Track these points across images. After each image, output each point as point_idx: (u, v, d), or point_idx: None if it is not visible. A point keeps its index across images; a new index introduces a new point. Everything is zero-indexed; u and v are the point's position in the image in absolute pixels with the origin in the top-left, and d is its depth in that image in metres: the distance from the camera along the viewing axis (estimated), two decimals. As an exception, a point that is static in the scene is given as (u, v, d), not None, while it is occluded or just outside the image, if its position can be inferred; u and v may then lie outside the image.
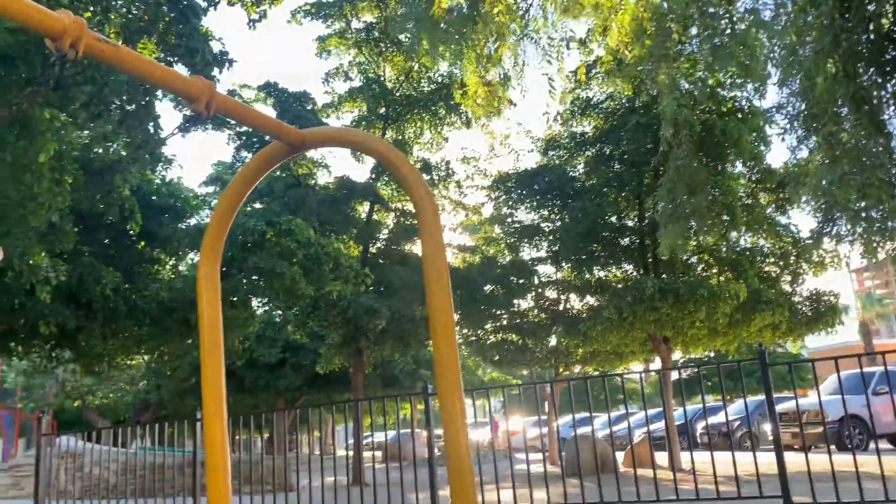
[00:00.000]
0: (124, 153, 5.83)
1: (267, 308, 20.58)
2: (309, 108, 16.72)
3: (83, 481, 12.66)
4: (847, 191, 6.49)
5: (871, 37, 6.56)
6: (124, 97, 4.99)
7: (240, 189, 3.45)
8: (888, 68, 6.45)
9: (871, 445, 16.13)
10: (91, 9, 4.32)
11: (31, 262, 6.77)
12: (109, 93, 4.83)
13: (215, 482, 3.16)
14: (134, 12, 4.67)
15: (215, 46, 6.20)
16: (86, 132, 6.26)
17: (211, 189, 19.17)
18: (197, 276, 3.44)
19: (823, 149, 7.03)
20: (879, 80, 6.49)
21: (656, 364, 18.98)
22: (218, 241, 3.46)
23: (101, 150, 5.79)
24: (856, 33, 6.26)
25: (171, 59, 5.47)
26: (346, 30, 16.87)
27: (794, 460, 7.34)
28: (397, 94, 17.14)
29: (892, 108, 6.93)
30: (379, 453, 23.72)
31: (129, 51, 2.63)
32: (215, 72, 5.58)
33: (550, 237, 17.05)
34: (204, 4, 5.28)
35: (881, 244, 7.67)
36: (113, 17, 4.46)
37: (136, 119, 5.06)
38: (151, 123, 5.23)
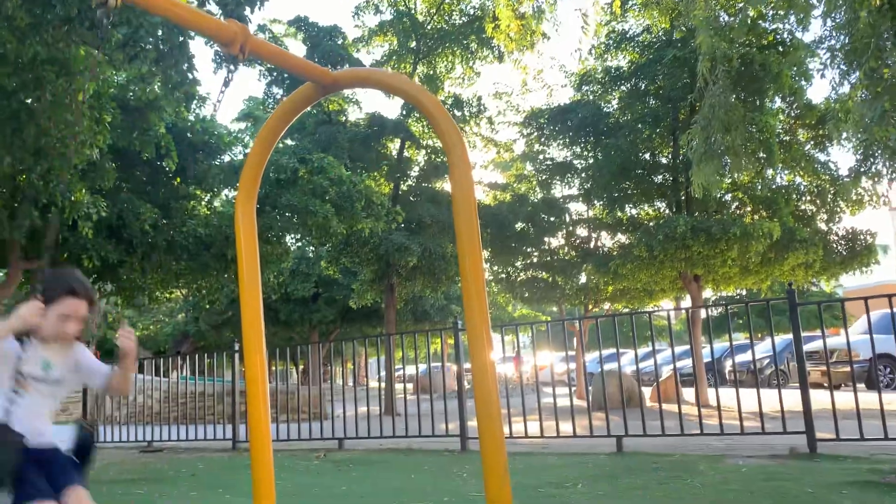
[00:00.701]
0: (160, 93, 5.92)
1: (300, 244, 20.89)
2: (340, 42, 16.57)
3: (128, 408, 13.23)
4: (887, 129, 6.36)
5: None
6: (160, 38, 5.03)
7: (273, 130, 3.53)
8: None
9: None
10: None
11: (73, 198, 6.96)
12: (145, 34, 4.87)
13: (256, 410, 3.33)
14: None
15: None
16: (123, 73, 6.34)
17: (243, 125, 19.24)
18: (235, 215, 3.55)
19: (865, 85, 6.85)
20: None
21: (686, 302, 18.98)
22: (254, 182, 3.56)
23: (137, 91, 5.87)
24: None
25: (204, -1, 5.49)
26: (376, -39, 16.56)
27: (822, 398, 7.40)
28: (428, 28, 16.89)
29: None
30: (410, 385, 24.31)
31: (164, -3, 2.67)
32: (247, 11, 5.57)
33: (583, 174, 16.92)
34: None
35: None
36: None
37: (171, 59, 5.11)
38: (186, 64, 5.28)
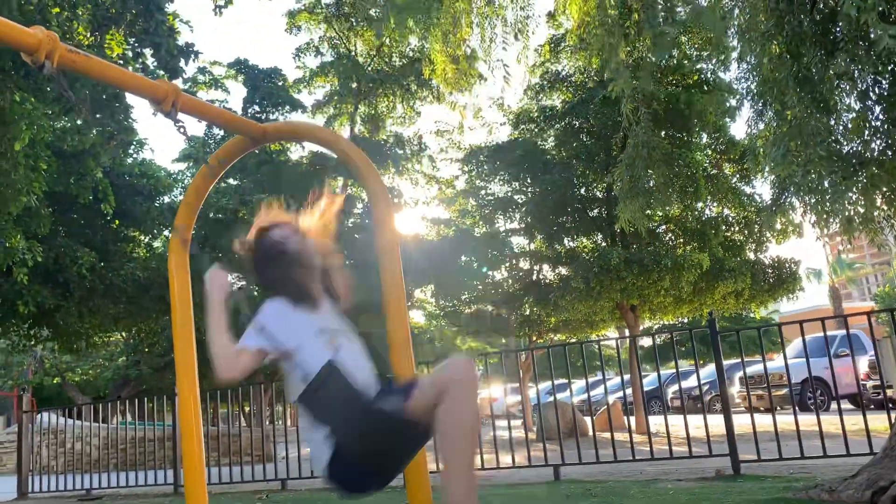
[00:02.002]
0: (97, 141, 5.99)
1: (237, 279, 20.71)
2: (280, 83, 16.76)
3: (65, 456, 12.90)
4: (791, 167, 6.82)
5: (817, 17, 6.85)
6: (95, 89, 5.14)
7: (205, 182, 3.71)
8: (832, 47, 6.75)
9: (833, 405, 16.78)
10: (60, 1, 4.47)
11: (7, 244, 6.94)
12: (80, 87, 4.99)
13: (190, 454, 3.45)
14: (101, 2, 4.81)
15: (183, 30, 6.35)
16: (59, 123, 6.41)
17: (183, 166, 19.17)
18: (168, 264, 3.70)
19: (771, 126, 7.35)
20: (824, 59, 6.78)
21: (619, 333, 19.46)
22: (186, 231, 3.71)
23: (75, 141, 5.94)
24: (800, 14, 6.54)
25: (139, 49, 5.62)
26: (315, 4, 16.87)
27: (759, 420, 7.74)
28: (369, 69, 17.23)
29: (840, 85, 7.24)
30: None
31: (99, 60, 2.88)
32: (182, 63, 5.74)
33: (523, 209, 17.35)
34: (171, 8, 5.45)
35: (831, 216, 8.00)
36: (80, 12, 4.61)
37: (107, 110, 5.22)
38: (122, 115, 5.39)
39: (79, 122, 5.37)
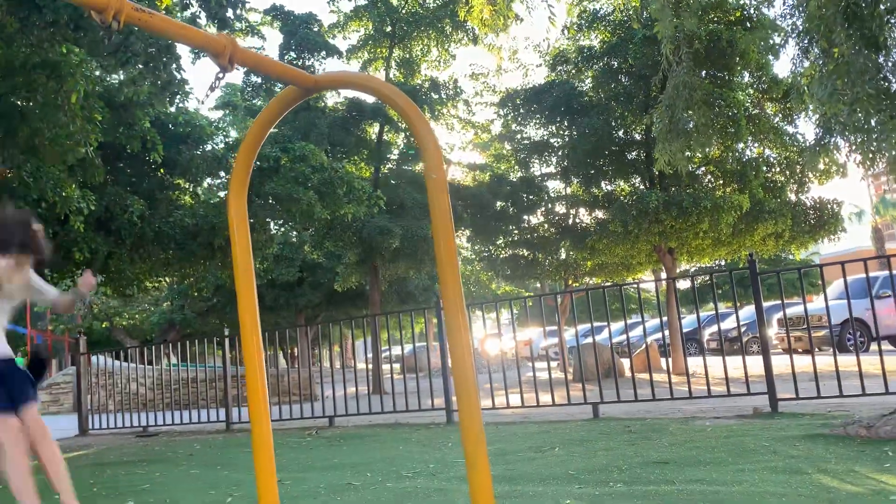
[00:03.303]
0: (150, 92, 6.16)
1: (283, 229, 21.10)
2: (316, 29, 16.71)
3: (120, 396, 13.51)
4: (837, 106, 6.73)
5: (867, -50, 6.64)
6: (149, 42, 5.28)
7: (260, 132, 3.85)
8: (882, -18, 6.55)
9: (874, 346, 16.72)
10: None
11: (63, 194, 7.21)
12: (135, 39, 5.12)
13: (255, 393, 3.67)
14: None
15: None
16: (114, 76, 6.57)
17: (221, 113, 19.38)
18: (227, 211, 3.88)
19: (817, 64, 7.22)
20: (873, -6, 6.60)
21: (662, 274, 19.45)
22: (243, 180, 3.88)
23: (130, 92, 6.09)
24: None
25: (188, 1, 5.71)
26: (349, -53, 16.65)
27: (798, 362, 7.81)
28: (403, 12, 17.06)
29: (890, 21, 7.05)
30: (397, 366, 24.68)
31: (161, 17, 3.00)
32: (229, 13, 5.82)
33: (559, 153, 17.26)
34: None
35: (878, 155, 7.88)
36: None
37: (160, 61, 5.36)
38: (174, 65, 5.54)
39: (133, 73, 5.52)
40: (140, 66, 5.32)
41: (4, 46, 5.48)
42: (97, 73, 6.20)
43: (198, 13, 5.92)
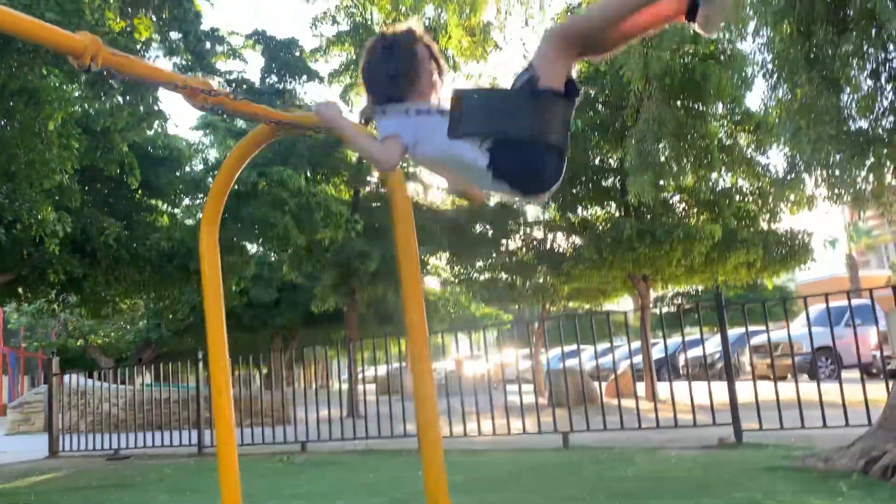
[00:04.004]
0: (127, 122, 6.24)
1: (262, 249, 21.09)
2: (297, 54, 16.85)
3: (92, 416, 13.39)
4: (800, 145, 6.95)
5: (829, -5, 6.89)
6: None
7: (234, 165, 3.94)
8: (843, 26, 6.80)
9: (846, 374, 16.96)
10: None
11: (39, 216, 7.23)
12: (113, 72, 5.18)
13: (222, 418, 3.73)
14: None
15: (203, 6, 6.51)
16: (90, 105, 6.64)
17: (201, 133, 19.37)
18: (199, 244, 3.96)
19: (783, 102, 7.45)
20: (835, 38, 6.84)
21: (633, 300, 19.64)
22: (216, 213, 3.97)
23: (108, 122, 6.15)
24: (812, -7, 6.59)
25: (167, 33, 5.82)
26: (332, -27, 16.86)
27: (763, 390, 7.93)
28: (385, 38, 17.21)
29: (851, 62, 7.30)
30: (372, 386, 24.56)
31: (138, 61, 3.11)
32: (207, 46, 5.93)
33: (537, 178, 17.40)
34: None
35: (841, 191, 8.10)
36: (112, 1, 4.82)
37: (138, 93, 5.45)
38: (151, 98, 5.62)
39: (111, 104, 5.60)
40: (118, 98, 5.41)
41: (-18, 72, 5.54)
42: (75, 97, 6.28)
43: (176, 46, 6.02)
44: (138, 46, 5.50)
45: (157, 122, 6.36)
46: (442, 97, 2.90)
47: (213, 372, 3.81)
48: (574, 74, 2.38)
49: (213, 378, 3.84)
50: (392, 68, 2.59)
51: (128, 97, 5.53)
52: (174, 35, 5.87)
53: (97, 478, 8.06)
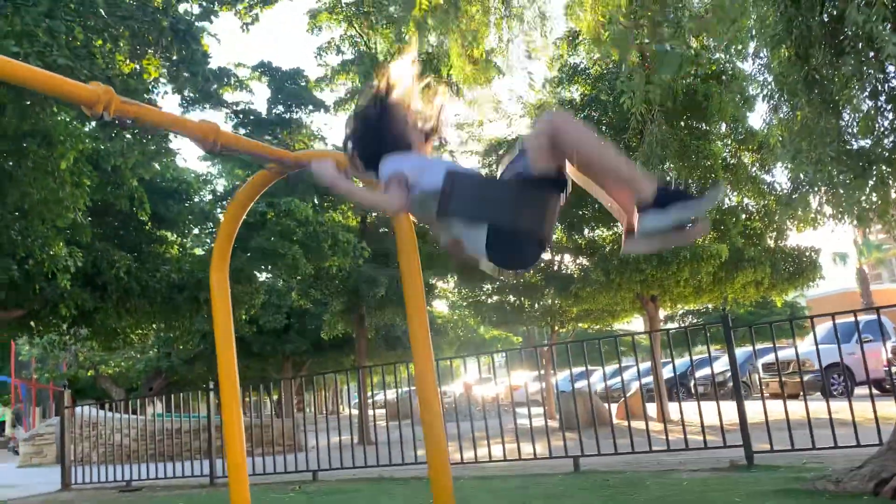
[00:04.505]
0: (139, 160, 6.37)
1: (270, 276, 21.18)
2: (303, 84, 17.09)
3: (104, 448, 13.43)
4: (801, 167, 7.01)
5: (825, 18, 6.99)
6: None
7: (241, 208, 4.04)
8: (840, 48, 6.89)
9: (858, 391, 16.87)
10: (104, 35, 4.80)
11: (51, 252, 7.35)
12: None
13: (234, 452, 3.78)
14: (138, 32, 5.14)
15: (209, 42, 6.66)
16: (101, 144, 6.80)
17: (208, 163, 19.58)
18: (210, 283, 4.04)
19: (784, 123, 7.52)
20: (833, 60, 6.92)
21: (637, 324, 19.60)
22: (225, 252, 4.06)
23: (119, 161, 6.28)
24: (809, 18, 6.68)
25: (175, 73, 5.97)
26: (336, 4, 17.13)
27: (774, 409, 7.91)
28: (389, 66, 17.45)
29: (850, 84, 7.37)
30: (382, 411, 24.51)
31: (149, 108, 3.22)
32: (215, 86, 6.07)
33: (543, 200, 17.47)
34: (200, 24, 5.77)
35: (845, 211, 8.13)
36: (122, 44, 4.95)
37: (148, 133, 5.57)
38: (162, 138, 5.75)
39: (122, 144, 5.74)
40: (128, 137, 5.53)
41: (-3, 114, 5.67)
42: (86, 134, 6.42)
43: (183, 84, 6.17)
44: (148, 86, 5.66)
45: (166, 160, 6.50)
46: (440, 135, 3.00)
47: (226, 415, 3.88)
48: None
49: (224, 417, 3.91)
50: (372, 139, 2.74)
51: (137, 135, 5.66)
52: (183, 75, 6.02)
53: (110, 511, 8.09)
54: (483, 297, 19.58)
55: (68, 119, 6.28)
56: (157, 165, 7.11)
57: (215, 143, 3.39)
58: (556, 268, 18.39)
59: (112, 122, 3.15)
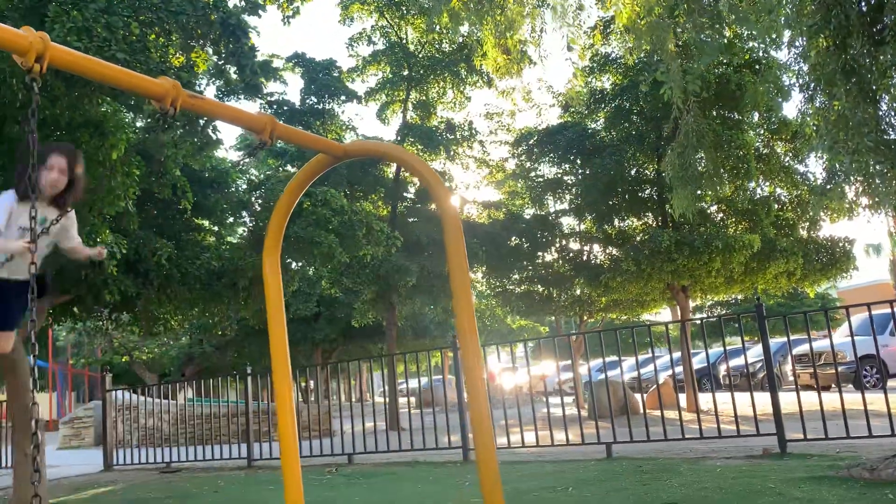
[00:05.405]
0: (188, 151, 6.56)
1: (302, 264, 21.44)
2: (335, 74, 17.27)
3: (142, 431, 13.80)
4: (838, 157, 7.00)
5: (864, 8, 6.96)
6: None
7: (292, 196, 4.20)
8: (879, 38, 6.86)
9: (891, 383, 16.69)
10: (155, 28, 4.98)
11: (98, 240, 7.58)
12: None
13: (286, 432, 3.95)
14: (187, 26, 5.31)
15: (254, 39, 6.82)
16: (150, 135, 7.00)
17: (242, 153, 19.88)
18: (263, 269, 4.21)
19: (820, 113, 7.50)
20: (871, 50, 6.90)
21: (671, 310, 19.56)
22: (277, 240, 4.23)
23: (170, 152, 6.46)
24: (847, 7, 6.66)
25: (223, 67, 6.14)
26: (367, -5, 17.26)
27: (808, 399, 7.92)
28: (420, 56, 17.58)
29: (888, 73, 7.33)
30: (413, 399, 24.77)
31: (212, 101, 3.38)
32: (262, 79, 6.23)
33: (573, 190, 17.53)
34: (248, 19, 5.94)
35: (881, 201, 8.09)
36: (174, 38, 5.13)
37: (198, 124, 5.74)
38: (211, 128, 5.92)
39: (174, 135, 5.93)
40: (180, 129, 5.71)
41: (50, 106, 5.88)
42: (138, 126, 6.61)
43: (233, 77, 6.34)
44: (198, 79, 5.83)
45: (214, 151, 6.68)
46: None
47: (278, 391, 4.05)
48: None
49: (277, 397, 4.08)
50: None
51: (188, 127, 5.83)
52: (231, 68, 6.19)
53: (155, 490, 8.36)
54: (511, 287, 19.64)
55: (111, 108, 6.48)
56: (207, 157, 7.30)
57: (271, 135, 3.55)
58: (585, 258, 18.42)
59: (171, 115, 3.29)
